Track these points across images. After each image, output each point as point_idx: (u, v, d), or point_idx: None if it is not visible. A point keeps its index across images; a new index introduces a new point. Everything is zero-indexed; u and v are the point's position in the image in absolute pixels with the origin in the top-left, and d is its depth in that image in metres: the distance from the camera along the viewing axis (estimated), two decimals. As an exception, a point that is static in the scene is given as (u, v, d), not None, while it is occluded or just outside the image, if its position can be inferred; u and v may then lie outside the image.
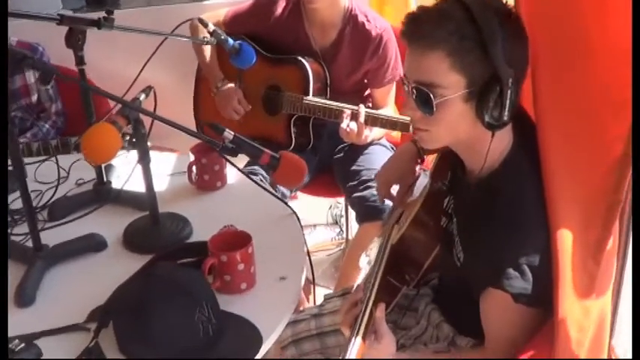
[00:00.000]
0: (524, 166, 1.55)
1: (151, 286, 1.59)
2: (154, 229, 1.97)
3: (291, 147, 2.97)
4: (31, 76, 3.04)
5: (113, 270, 1.82)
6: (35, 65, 1.70)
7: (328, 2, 2.81)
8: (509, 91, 1.43)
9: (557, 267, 1.44)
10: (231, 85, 3.01)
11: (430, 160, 2.07)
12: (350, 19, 2.88)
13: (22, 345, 1.50)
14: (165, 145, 2.80)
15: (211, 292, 1.62)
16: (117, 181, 2.25)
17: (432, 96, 1.47)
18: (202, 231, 1.98)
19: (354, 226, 3.51)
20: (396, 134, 3.12)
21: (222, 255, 1.70)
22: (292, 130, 2.99)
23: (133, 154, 1.88)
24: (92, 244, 1.96)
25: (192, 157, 2.25)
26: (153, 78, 1.97)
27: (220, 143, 1.73)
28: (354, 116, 2.75)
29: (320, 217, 4.03)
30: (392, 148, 3.06)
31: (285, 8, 2.94)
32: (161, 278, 1.61)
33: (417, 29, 1.47)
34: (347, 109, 2.77)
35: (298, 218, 2.05)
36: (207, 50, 3.03)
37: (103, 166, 2.19)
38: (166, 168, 2.44)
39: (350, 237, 3.75)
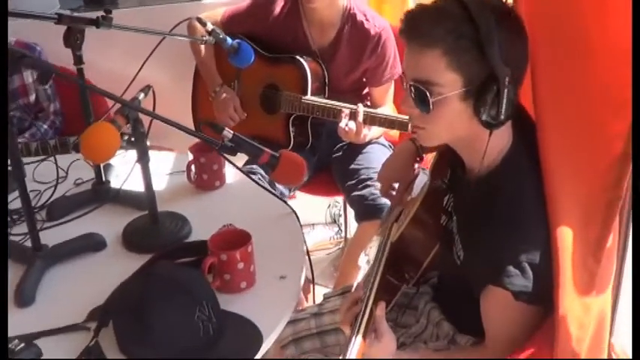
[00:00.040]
0: (523, 164, 1.55)
1: (150, 285, 1.58)
2: (153, 229, 1.97)
3: (290, 146, 2.97)
4: (29, 76, 3.04)
5: (112, 269, 1.82)
6: (34, 64, 1.70)
7: (327, 2, 2.80)
8: (505, 91, 1.43)
9: (558, 264, 1.44)
10: (229, 90, 3.02)
11: (429, 158, 2.07)
12: (349, 18, 2.87)
13: (22, 345, 1.49)
14: (164, 145, 2.80)
15: (211, 292, 1.62)
16: (115, 181, 2.24)
17: (428, 94, 1.47)
18: (201, 230, 1.98)
19: (352, 225, 3.52)
20: (394, 133, 3.12)
21: (222, 254, 1.70)
22: (291, 129, 2.98)
23: (132, 153, 1.88)
24: (91, 244, 1.96)
25: (190, 157, 2.25)
26: (151, 77, 1.97)
27: (219, 142, 1.73)
28: (353, 115, 2.75)
29: (318, 217, 4.03)
30: (390, 147, 3.06)
31: (284, 7, 2.93)
32: (161, 277, 1.61)
33: (414, 27, 1.48)
34: (345, 108, 2.77)
35: (297, 217, 2.05)
36: (207, 58, 3.03)
37: (101, 165, 2.19)
38: (165, 167, 2.43)
39: (349, 236, 3.75)
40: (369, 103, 3.02)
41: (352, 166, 2.93)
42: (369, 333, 1.53)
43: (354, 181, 2.88)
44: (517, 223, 1.51)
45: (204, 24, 2.22)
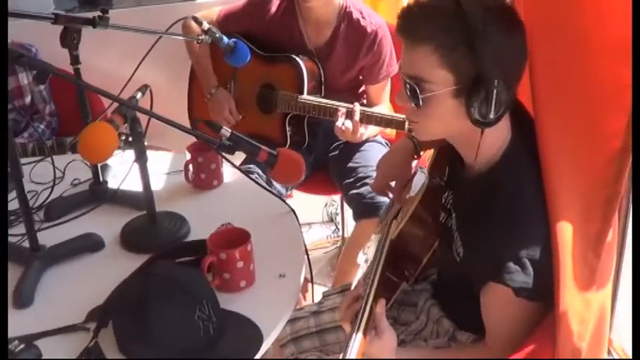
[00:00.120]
0: (522, 160, 1.55)
1: (150, 285, 1.57)
2: (151, 229, 1.97)
3: (287, 145, 2.96)
4: (24, 78, 3.03)
5: (111, 270, 1.81)
6: (31, 64, 1.69)
7: (323, 0, 2.80)
8: (494, 91, 1.42)
9: (558, 260, 1.44)
10: (224, 92, 3.02)
11: (427, 156, 2.07)
12: (345, 16, 2.87)
13: (22, 346, 1.49)
14: (161, 145, 2.79)
15: (211, 291, 1.61)
16: (113, 181, 2.24)
17: (418, 90, 1.48)
18: (200, 229, 1.97)
19: (349, 224, 3.52)
20: (391, 131, 3.12)
21: (222, 253, 1.70)
22: (287, 128, 2.98)
23: (129, 153, 1.87)
24: (89, 244, 1.95)
25: (188, 156, 2.25)
26: (147, 77, 1.97)
27: (217, 141, 1.72)
28: (349, 114, 2.75)
29: (316, 215, 4.03)
30: (387, 145, 3.06)
31: (280, 6, 2.93)
32: (160, 277, 1.60)
33: (408, 23, 1.49)
34: (342, 107, 2.77)
35: (296, 215, 2.05)
36: (201, 51, 3.02)
37: (99, 165, 2.19)
38: (162, 167, 2.43)
39: (346, 234, 3.76)
40: (365, 102, 3.02)
41: (349, 165, 2.93)
42: (370, 330, 1.53)
43: (351, 180, 2.87)
44: (517, 219, 1.51)
45: (200, 23, 2.22)
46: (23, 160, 2.15)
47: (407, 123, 2.67)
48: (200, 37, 2.20)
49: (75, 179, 2.30)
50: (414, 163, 2.04)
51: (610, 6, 1.30)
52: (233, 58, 2.25)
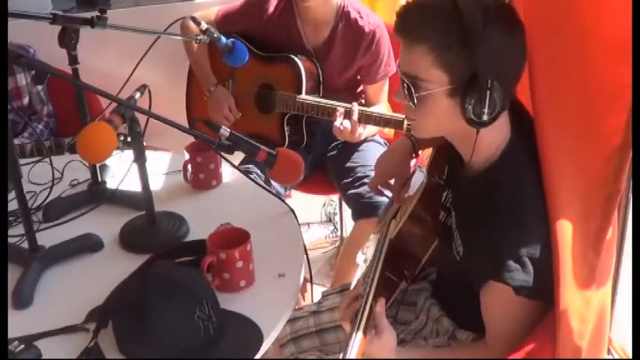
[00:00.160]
0: (522, 159, 1.55)
1: (149, 285, 1.57)
2: (150, 229, 1.96)
3: (285, 145, 2.96)
4: (22, 78, 3.03)
5: (110, 270, 1.81)
6: (30, 64, 1.69)
7: (321, 0, 2.80)
8: (488, 92, 1.43)
9: (558, 258, 1.44)
10: (223, 90, 3.01)
11: (425, 156, 2.07)
12: (342, 15, 2.87)
13: (22, 346, 1.49)
14: (159, 145, 2.79)
15: (211, 291, 1.61)
16: (111, 181, 2.24)
17: (413, 89, 1.50)
18: (199, 230, 1.97)
19: (348, 224, 3.52)
20: (389, 131, 3.12)
21: (221, 253, 1.70)
22: (285, 128, 2.98)
23: (127, 153, 1.87)
24: (88, 245, 1.95)
25: (187, 156, 2.25)
26: (145, 78, 1.97)
27: (217, 140, 1.72)
28: (348, 114, 2.75)
29: (314, 215, 4.03)
30: (385, 144, 3.06)
31: (277, 6, 2.93)
32: (160, 277, 1.60)
33: (406, 22, 1.50)
34: (340, 106, 2.77)
35: (295, 215, 2.04)
36: (199, 51, 3.01)
37: (97, 166, 2.18)
38: (161, 167, 2.43)
39: (344, 234, 3.75)
40: (363, 101, 3.02)
41: (348, 165, 2.93)
42: (370, 329, 1.53)
43: (350, 179, 2.88)
44: (516, 217, 1.51)
45: (198, 23, 2.22)
46: (21, 161, 2.14)
47: (405, 121, 2.68)
48: (198, 37, 2.20)
49: (73, 180, 2.30)
50: (413, 162, 2.04)
51: (609, 5, 1.31)
52: (231, 58, 2.25)
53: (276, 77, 2.96)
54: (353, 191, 2.84)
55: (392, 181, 2.06)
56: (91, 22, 1.88)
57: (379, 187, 2.09)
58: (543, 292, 1.49)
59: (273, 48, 2.96)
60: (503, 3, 1.49)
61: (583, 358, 1.45)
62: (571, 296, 1.42)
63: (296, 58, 2.88)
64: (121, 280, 1.74)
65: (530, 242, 1.48)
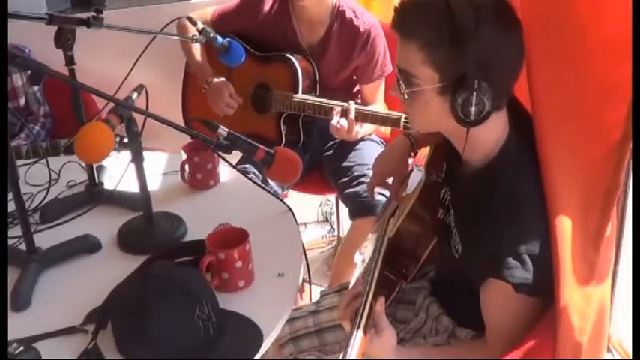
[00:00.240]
0: (520, 156, 1.55)
1: (148, 285, 1.56)
2: (148, 229, 1.96)
3: (282, 145, 2.95)
4: (18, 79, 3.02)
5: (108, 271, 1.81)
6: (26, 64, 1.68)
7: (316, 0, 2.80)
8: (474, 93, 1.43)
9: (557, 255, 1.44)
10: (222, 79, 2.97)
11: (422, 155, 2.07)
12: (338, 15, 2.87)
13: (21, 348, 1.48)
14: (156, 146, 2.78)
15: (210, 291, 1.61)
16: (108, 182, 2.24)
17: (403, 84, 1.52)
18: (197, 230, 1.97)
19: (345, 223, 3.52)
20: (386, 130, 3.12)
21: (220, 252, 1.69)
22: (282, 128, 2.98)
23: (124, 154, 1.87)
24: (86, 246, 1.94)
25: (184, 156, 2.24)
26: (141, 79, 1.96)
27: (214, 140, 1.72)
28: (345, 113, 2.75)
29: (311, 215, 4.03)
30: (382, 143, 3.06)
31: (273, 6, 2.93)
32: (159, 277, 1.59)
33: (401, 19, 1.51)
34: (337, 105, 2.77)
35: (294, 215, 2.04)
36: (196, 49, 3.01)
37: (94, 167, 2.18)
38: (158, 167, 2.42)
39: (342, 234, 3.75)
40: (359, 101, 3.01)
41: (345, 164, 2.93)
42: (369, 328, 1.53)
43: (347, 179, 2.87)
44: (515, 214, 1.51)
45: (194, 23, 2.22)
46: (18, 163, 2.12)
47: (402, 120, 2.68)
48: (195, 37, 2.20)
49: (70, 181, 2.30)
50: (410, 160, 2.05)
51: (607, 2, 1.31)
52: (228, 57, 2.25)
53: (273, 77, 2.96)
54: (350, 190, 2.84)
55: (390, 180, 2.06)
56: (87, 23, 1.88)
57: (377, 188, 2.10)
58: (543, 288, 1.49)
59: (269, 47, 2.96)
60: (499, 0, 1.48)
61: (583, 354, 1.45)
62: (571, 293, 1.42)
63: (292, 58, 2.88)
64: (120, 280, 1.73)
65: (530, 239, 1.48)
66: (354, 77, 3.01)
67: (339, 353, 1.48)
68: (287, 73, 2.89)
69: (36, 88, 3.08)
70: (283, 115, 2.95)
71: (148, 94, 1.88)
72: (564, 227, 1.44)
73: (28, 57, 2.97)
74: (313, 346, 2.01)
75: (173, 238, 1.96)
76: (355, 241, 2.76)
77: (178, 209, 2.08)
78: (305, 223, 4.00)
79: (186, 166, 2.25)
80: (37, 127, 3.10)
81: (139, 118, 1.77)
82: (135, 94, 1.82)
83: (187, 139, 2.29)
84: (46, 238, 1.90)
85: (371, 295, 1.58)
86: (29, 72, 1.67)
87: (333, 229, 3.96)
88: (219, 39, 2.19)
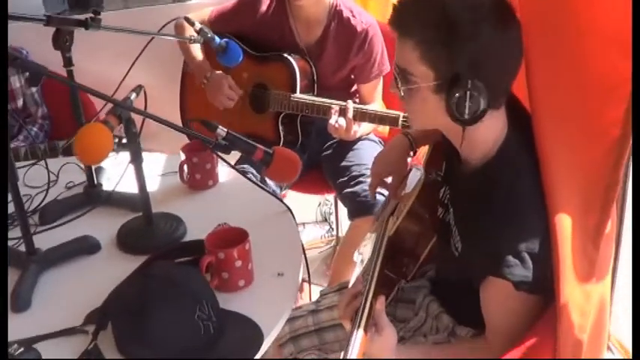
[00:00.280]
0: (519, 154, 1.55)
1: (148, 286, 1.56)
2: (147, 230, 1.96)
3: (280, 145, 2.95)
4: (16, 81, 3.02)
5: (108, 272, 1.81)
6: (25, 66, 1.68)
7: None
8: (468, 91, 1.43)
9: (558, 252, 1.44)
10: (220, 72, 2.95)
11: (421, 154, 2.07)
12: (335, 14, 2.87)
13: (22, 349, 1.48)
14: (154, 147, 2.77)
15: (210, 290, 1.61)
16: (107, 183, 2.24)
17: (399, 82, 1.53)
18: (196, 230, 1.97)
19: (344, 223, 3.52)
20: (383, 129, 3.12)
21: (220, 252, 1.69)
22: (280, 127, 2.98)
23: (123, 155, 1.87)
24: (85, 247, 1.94)
25: (183, 157, 2.24)
26: (138, 80, 1.95)
27: (213, 140, 1.72)
28: (343, 112, 2.75)
29: (309, 215, 4.03)
30: (380, 143, 3.06)
31: (270, 5, 2.93)
32: (159, 278, 1.59)
33: (399, 16, 1.52)
34: (335, 104, 2.77)
35: (293, 214, 2.04)
36: (194, 48, 3.00)
37: (93, 168, 2.18)
38: (157, 168, 2.42)
39: (340, 234, 3.75)
40: (357, 101, 3.01)
41: (343, 164, 2.93)
42: (370, 327, 1.53)
43: (345, 178, 2.87)
44: (514, 213, 1.51)
45: (192, 23, 2.22)
46: (17, 164, 2.12)
47: (400, 118, 2.68)
48: (192, 38, 2.20)
49: (69, 182, 2.30)
50: (409, 159, 2.05)
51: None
52: (225, 58, 2.25)
53: (270, 76, 2.95)
54: (348, 190, 2.83)
55: (389, 179, 2.06)
56: (85, 24, 1.88)
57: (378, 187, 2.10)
58: (543, 286, 1.49)
59: (267, 47, 2.96)
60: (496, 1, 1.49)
61: (584, 351, 1.45)
62: (571, 290, 1.42)
63: (290, 57, 2.88)
64: (119, 281, 1.73)
65: (529, 237, 1.48)
66: (352, 77, 3.01)
67: (339, 352, 1.48)
68: (285, 73, 2.89)
69: (34, 89, 3.08)
70: (281, 115, 2.95)
71: (146, 95, 1.87)
72: (564, 225, 1.44)
73: (26, 59, 2.97)
74: (313, 346, 2.01)
75: (172, 239, 1.96)
76: (354, 241, 2.77)
77: (177, 210, 2.08)
78: (304, 223, 4.00)
79: (185, 167, 2.25)
80: (35, 129, 3.10)
81: (137, 119, 1.77)
82: (133, 95, 1.81)
83: (185, 140, 2.30)
84: (45, 240, 1.90)
85: (371, 294, 1.58)
86: (27, 74, 1.67)
87: (332, 229, 3.96)
88: (217, 39, 2.19)
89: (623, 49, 1.25)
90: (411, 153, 2.04)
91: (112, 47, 2.82)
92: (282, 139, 2.98)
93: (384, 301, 1.58)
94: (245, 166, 2.82)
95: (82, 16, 1.91)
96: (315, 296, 2.21)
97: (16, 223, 1.89)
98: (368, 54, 2.90)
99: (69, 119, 2.07)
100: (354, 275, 1.93)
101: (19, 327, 1.62)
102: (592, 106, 1.38)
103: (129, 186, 1.93)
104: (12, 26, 1.87)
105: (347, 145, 2.96)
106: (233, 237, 1.74)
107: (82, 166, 2.25)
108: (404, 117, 2.66)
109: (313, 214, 4.04)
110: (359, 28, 2.86)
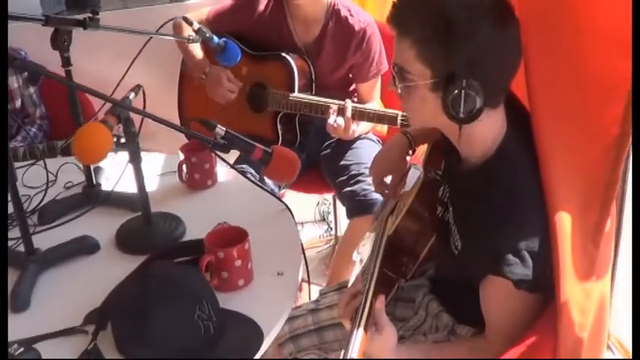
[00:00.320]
0: (518, 153, 1.56)
1: (148, 286, 1.56)
2: (146, 230, 1.96)
3: (278, 144, 2.95)
4: (14, 81, 3.02)
5: (107, 272, 1.80)
6: (24, 66, 1.68)
7: None
8: (463, 91, 1.43)
9: (557, 251, 1.44)
10: (219, 66, 2.92)
11: (420, 153, 2.07)
12: (333, 13, 2.87)
13: (21, 349, 1.48)
14: (152, 147, 2.77)
15: (210, 290, 1.60)
16: (106, 183, 2.23)
17: (397, 79, 1.54)
18: (195, 230, 1.97)
19: (342, 223, 3.51)
20: (382, 128, 3.12)
21: (219, 252, 1.69)
22: (278, 127, 2.98)
23: (121, 155, 1.86)
24: (84, 247, 1.94)
25: (181, 156, 2.24)
26: (137, 80, 1.95)
27: (212, 140, 1.72)
28: (341, 111, 2.75)
29: (308, 215, 4.02)
30: (379, 142, 3.06)
31: (268, 5, 2.93)
32: (158, 278, 1.59)
33: (397, 14, 1.52)
34: (333, 104, 2.77)
35: (292, 213, 2.04)
36: (194, 48, 3.00)
37: (92, 168, 2.18)
38: (156, 168, 2.42)
39: (339, 233, 3.75)
40: (356, 100, 3.01)
41: (342, 163, 2.93)
42: (370, 326, 1.53)
43: (344, 178, 2.87)
44: (514, 211, 1.50)
45: (190, 23, 2.21)
46: (15, 165, 2.12)
47: (399, 117, 2.68)
48: (191, 37, 2.19)
49: (68, 182, 2.29)
50: (408, 158, 2.05)
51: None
52: (224, 57, 2.25)
53: (269, 76, 2.95)
54: (347, 189, 2.84)
55: (388, 178, 2.06)
56: (83, 24, 1.87)
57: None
58: (543, 285, 1.49)
59: (265, 46, 2.96)
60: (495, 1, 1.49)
61: (584, 349, 1.45)
62: (571, 288, 1.42)
63: (288, 57, 2.88)
64: (119, 281, 1.73)
65: (529, 235, 1.48)
66: (350, 76, 3.01)
67: (339, 352, 1.48)
68: (283, 72, 2.89)
69: (32, 90, 3.08)
70: (280, 115, 2.95)
71: (145, 95, 1.87)
72: (564, 223, 1.44)
73: (25, 59, 2.97)
74: (313, 345, 2.01)
75: (171, 239, 1.95)
76: (353, 240, 2.76)
77: (176, 209, 2.08)
78: (302, 223, 3.99)
79: (184, 167, 2.25)
80: (33, 129, 3.10)
81: (135, 119, 1.77)
82: (132, 95, 1.81)
83: (184, 140, 2.29)
84: (44, 240, 1.90)
85: (371, 293, 1.57)
86: (25, 74, 1.67)
87: (330, 229, 3.96)
88: (216, 39, 2.19)
89: (622, 47, 1.24)
90: (410, 152, 2.04)
91: (111, 47, 2.82)
92: (280, 138, 2.97)
93: (384, 300, 1.58)
94: (243, 166, 2.81)
95: (79, 16, 1.91)
96: (314, 296, 2.20)
97: (15, 224, 1.88)
98: (366, 53, 2.90)
99: (67, 119, 2.06)
100: (353, 274, 1.93)
101: (18, 327, 1.61)
102: (591, 104, 1.38)
103: (128, 186, 1.93)
104: (10, 27, 1.87)
105: (345, 145, 2.96)
106: (232, 236, 1.74)
107: (81, 166, 2.25)
108: (402, 116, 2.66)
109: (312, 214, 4.04)
110: (357, 27, 2.86)
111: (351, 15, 2.87)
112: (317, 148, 3.09)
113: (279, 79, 2.91)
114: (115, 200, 2.11)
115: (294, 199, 3.20)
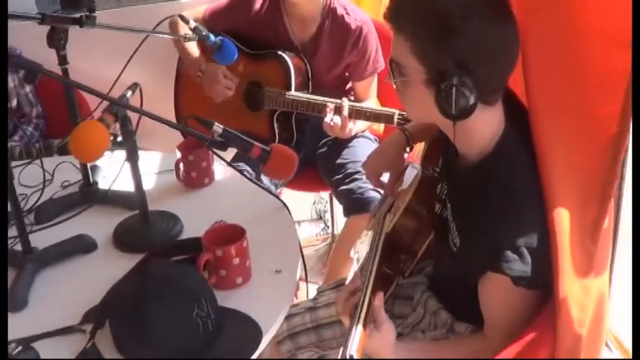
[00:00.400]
0: (516, 149, 1.55)
1: (146, 284, 1.56)
2: (144, 228, 1.95)
3: (275, 143, 2.94)
4: (10, 81, 3.01)
5: (105, 270, 1.80)
6: (20, 64, 1.68)
7: None
8: (454, 88, 1.43)
9: (556, 247, 1.44)
10: (214, 64, 2.89)
11: (417, 152, 2.07)
12: (329, 12, 2.87)
13: (20, 348, 1.48)
14: (149, 146, 2.76)
15: (208, 288, 1.60)
16: (103, 182, 2.23)
17: (392, 74, 1.55)
18: (193, 228, 1.97)
19: (339, 221, 3.51)
20: (378, 126, 3.12)
21: (217, 250, 1.69)
22: (275, 125, 2.97)
23: (118, 154, 1.86)
24: (82, 246, 1.93)
25: (179, 155, 2.23)
26: (133, 78, 1.95)
27: (209, 138, 1.71)
28: (338, 110, 2.75)
29: (304, 213, 4.03)
30: (375, 140, 3.06)
31: (264, 3, 2.93)
32: (156, 276, 1.58)
33: (394, 9, 1.53)
34: (330, 102, 2.77)
35: (289, 211, 2.04)
36: (190, 46, 2.99)
37: (88, 166, 2.17)
38: (153, 166, 2.42)
39: (336, 232, 3.75)
40: (352, 98, 3.01)
41: (338, 161, 2.93)
42: (369, 323, 1.53)
43: (341, 176, 2.87)
44: (512, 208, 1.50)
45: (187, 21, 2.21)
46: (12, 164, 2.12)
47: (395, 116, 2.68)
48: (187, 36, 2.19)
49: (65, 181, 2.29)
50: (406, 155, 2.04)
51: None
52: (220, 56, 2.24)
53: (265, 74, 2.95)
54: (344, 187, 2.84)
55: (386, 176, 2.06)
56: (79, 22, 1.87)
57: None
58: (542, 281, 1.49)
59: (261, 45, 2.96)
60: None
61: (583, 345, 1.45)
62: (570, 285, 1.42)
63: (284, 55, 2.88)
64: (116, 280, 1.72)
65: (527, 232, 1.48)
66: (347, 74, 3.01)
67: (337, 349, 1.48)
68: (279, 71, 2.88)
69: (28, 89, 3.07)
70: (276, 113, 2.95)
71: (142, 93, 1.87)
72: (562, 220, 1.44)
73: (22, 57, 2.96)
74: (311, 343, 2.01)
75: (169, 237, 1.95)
76: (350, 238, 2.77)
77: (174, 208, 2.08)
78: (299, 221, 3.99)
79: (181, 165, 2.25)
80: (30, 128, 3.09)
81: (132, 117, 1.76)
82: (129, 93, 1.81)
83: (181, 138, 2.29)
84: (41, 239, 1.90)
85: (369, 291, 1.57)
86: (21, 73, 1.67)
87: (327, 227, 3.96)
88: (212, 37, 2.19)
89: (621, 44, 1.25)
90: (408, 149, 2.03)
91: (106, 45, 2.81)
92: (277, 137, 2.97)
93: (383, 298, 1.58)
94: (240, 164, 2.81)
95: (75, 15, 1.90)
96: (312, 294, 2.20)
97: (12, 223, 1.88)
98: (362, 51, 2.90)
99: (64, 118, 2.06)
100: (351, 272, 1.93)
101: (15, 326, 1.61)
102: (589, 102, 1.38)
103: (125, 184, 1.93)
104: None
105: (342, 143, 2.96)
106: (230, 234, 1.73)
107: (78, 164, 2.25)
108: (399, 115, 2.66)
109: (308, 212, 4.04)
110: (353, 26, 2.86)
111: (348, 13, 2.87)
112: (313, 147, 3.08)
113: (276, 78, 2.91)
114: (112, 199, 2.11)
115: (290, 197, 3.20)
